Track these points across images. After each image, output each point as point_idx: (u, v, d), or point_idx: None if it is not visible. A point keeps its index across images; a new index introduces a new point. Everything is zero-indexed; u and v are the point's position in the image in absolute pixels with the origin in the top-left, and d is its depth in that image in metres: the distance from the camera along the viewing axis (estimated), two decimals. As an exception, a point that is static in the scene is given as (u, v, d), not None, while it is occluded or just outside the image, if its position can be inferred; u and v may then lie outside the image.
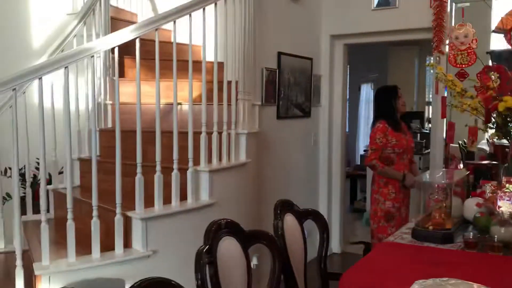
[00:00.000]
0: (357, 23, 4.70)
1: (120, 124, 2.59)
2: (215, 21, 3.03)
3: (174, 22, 2.74)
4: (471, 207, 2.66)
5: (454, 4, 4.36)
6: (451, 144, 4.32)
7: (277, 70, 4.11)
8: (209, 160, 3.02)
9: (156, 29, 2.66)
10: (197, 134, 2.92)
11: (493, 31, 4.47)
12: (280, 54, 4.14)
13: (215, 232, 1.82)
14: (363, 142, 9.13)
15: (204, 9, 2.90)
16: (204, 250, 1.73)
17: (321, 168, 4.99)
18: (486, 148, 4.46)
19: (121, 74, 3.88)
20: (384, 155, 3.55)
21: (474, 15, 4.29)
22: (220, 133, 3.11)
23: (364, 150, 6.69)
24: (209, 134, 3.02)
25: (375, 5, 4.65)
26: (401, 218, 3.55)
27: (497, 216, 2.42)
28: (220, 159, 3.11)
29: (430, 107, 8.83)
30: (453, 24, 4.33)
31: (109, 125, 3.68)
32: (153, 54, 2.69)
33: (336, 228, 5.07)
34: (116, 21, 4.07)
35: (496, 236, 2.30)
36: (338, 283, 1.94)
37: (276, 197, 4.17)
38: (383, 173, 3.54)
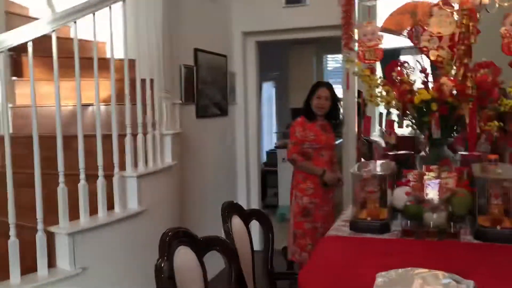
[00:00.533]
0: (268, 20, 4.72)
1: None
2: (124, 14, 2.78)
3: (94, 14, 2.49)
4: (400, 196, 2.77)
5: (360, 2, 4.56)
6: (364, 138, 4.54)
7: (195, 67, 3.97)
8: (135, 165, 2.81)
9: (75, 22, 2.39)
10: (120, 137, 2.69)
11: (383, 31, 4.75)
12: (196, 50, 4.01)
13: (170, 241, 1.66)
14: (267, 141, 9.27)
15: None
16: (163, 265, 1.57)
17: (239, 166, 4.94)
18: (378, 139, 4.74)
19: (19, 74, 3.47)
20: (302, 150, 3.58)
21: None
22: (144, 135, 2.90)
23: (276, 147, 6.78)
24: (134, 136, 2.80)
25: (285, 3, 4.70)
26: (320, 214, 3.60)
27: (429, 203, 2.54)
28: (146, 162, 2.90)
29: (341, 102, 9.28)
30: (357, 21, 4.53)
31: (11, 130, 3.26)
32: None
33: (256, 226, 5.05)
34: (9, 15, 3.63)
35: (431, 222, 2.41)
36: (298, 283, 1.88)
37: (198, 199, 4.08)
38: (302, 168, 3.57)
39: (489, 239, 2.30)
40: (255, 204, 5.05)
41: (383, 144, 4.50)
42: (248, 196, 5.00)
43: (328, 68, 9.25)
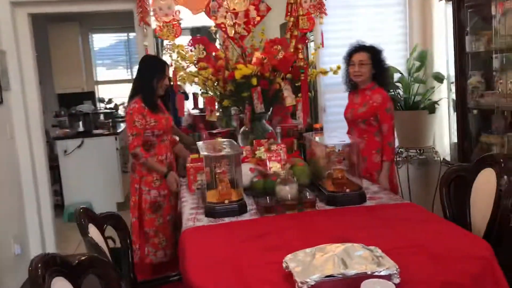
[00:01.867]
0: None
1: None
2: None
3: None
4: (245, 173, 2.68)
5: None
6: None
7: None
8: None
9: None
10: None
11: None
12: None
13: (43, 275, 1.19)
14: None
15: None
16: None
17: (23, 166, 4.10)
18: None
19: None
20: (144, 138, 3.16)
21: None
22: None
23: (54, 138, 5.89)
24: None
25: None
26: (169, 206, 3.28)
27: (276, 176, 2.51)
28: None
29: (100, 86, 8.61)
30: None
31: None
32: None
33: (50, 231, 4.33)
34: None
35: (289, 195, 2.39)
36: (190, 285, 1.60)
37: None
38: (146, 164, 3.16)
39: (338, 203, 2.40)
40: (47, 210, 4.31)
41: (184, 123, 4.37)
42: (38, 197, 4.22)
43: (95, 48, 8.54)
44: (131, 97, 3.23)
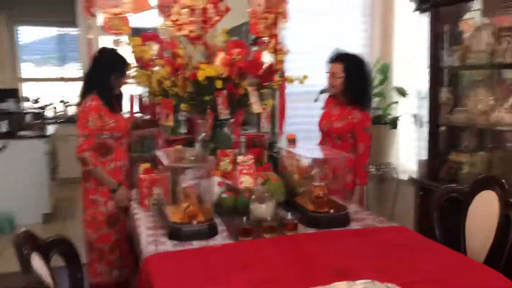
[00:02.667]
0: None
1: None
2: None
3: None
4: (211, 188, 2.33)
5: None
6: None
7: None
8: None
9: None
10: None
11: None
12: None
13: None
14: None
15: None
16: None
17: None
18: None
19: None
20: (99, 141, 2.71)
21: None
22: None
23: None
24: None
25: None
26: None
27: (250, 192, 2.20)
28: None
29: (24, 84, 7.80)
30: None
31: None
32: None
33: None
34: None
35: (268, 216, 2.07)
36: None
37: None
38: (94, 174, 2.71)
39: (322, 225, 2.13)
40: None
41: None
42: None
43: (20, 43, 7.74)
44: (84, 93, 2.78)
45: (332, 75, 2.88)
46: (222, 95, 2.80)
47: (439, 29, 3.14)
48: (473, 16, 3.15)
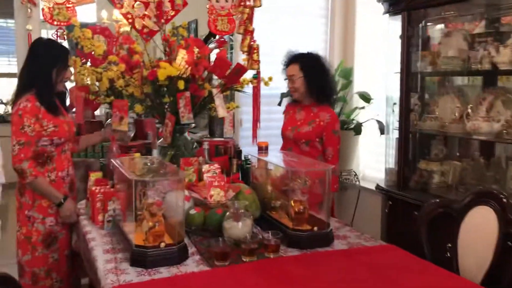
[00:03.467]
0: None
1: None
2: None
3: None
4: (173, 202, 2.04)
5: None
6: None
7: None
8: None
9: None
10: None
11: None
12: None
13: None
14: None
15: None
16: None
17: None
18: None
19: None
20: (36, 149, 2.32)
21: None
22: None
23: None
24: None
25: None
26: (68, 237, 2.44)
27: (230, 208, 1.93)
28: None
29: None
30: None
31: None
32: None
33: None
34: None
35: (247, 235, 1.82)
36: None
37: None
38: (35, 187, 2.33)
39: (304, 245, 1.91)
40: None
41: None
42: None
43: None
44: (19, 93, 2.37)
45: (290, 78, 2.72)
46: (185, 97, 2.52)
47: (411, 33, 3.02)
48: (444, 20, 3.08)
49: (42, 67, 2.37)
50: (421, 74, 3.12)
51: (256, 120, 2.44)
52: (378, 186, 3.23)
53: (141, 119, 3.85)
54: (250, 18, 2.29)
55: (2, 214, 5.33)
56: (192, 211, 2.03)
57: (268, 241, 1.81)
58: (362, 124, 3.79)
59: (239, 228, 1.87)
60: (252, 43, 2.33)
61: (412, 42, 3.01)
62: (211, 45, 3.32)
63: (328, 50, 4.12)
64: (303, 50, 2.82)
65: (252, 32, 2.31)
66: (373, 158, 3.85)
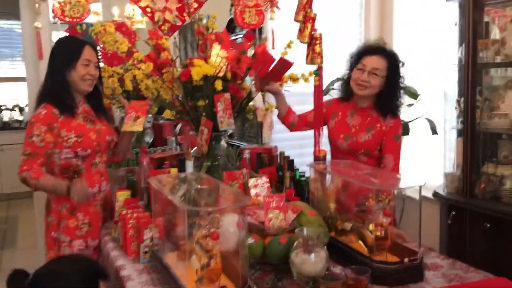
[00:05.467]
0: None
1: None
2: None
3: None
4: (226, 230, 1.67)
5: None
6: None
7: None
8: None
9: None
10: None
11: None
12: None
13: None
14: None
15: None
16: None
17: None
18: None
19: None
20: (59, 162, 2.01)
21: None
22: None
23: None
24: None
25: None
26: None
27: (297, 236, 1.56)
28: None
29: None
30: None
31: None
32: None
33: None
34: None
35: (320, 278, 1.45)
36: None
37: None
38: (40, 187, 2.03)
39: (394, 280, 1.54)
40: None
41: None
42: None
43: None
44: (40, 100, 2.06)
45: (372, 71, 2.19)
46: (224, 99, 2.15)
47: (471, 20, 2.64)
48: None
49: (55, 67, 2.07)
50: (482, 65, 2.73)
51: (318, 125, 2.05)
52: (436, 194, 2.86)
53: (159, 122, 3.50)
54: (310, 2, 1.91)
55: (11, 227, 4.99)
56: (250, 241, 1.66)
57: (355, 280, 1.44)
58: (409, 123, 3.40)
59: (312, 262, 1.50)
60: (313, 32, 1.95)
61: (481, 30, 2.62)
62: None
63: (363, 35, 3.73)
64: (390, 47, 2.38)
65: (313, 19, 1.93)
66: (422, 162, 3.45)
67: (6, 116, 6.56)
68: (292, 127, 2.48)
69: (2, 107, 6.56)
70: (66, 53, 2.08)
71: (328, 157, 2.31)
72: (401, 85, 2.27)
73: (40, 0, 2.86)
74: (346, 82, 2.30)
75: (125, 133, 2.27)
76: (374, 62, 2.18)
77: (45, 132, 1.98)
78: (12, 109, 6.54)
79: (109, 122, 2.30)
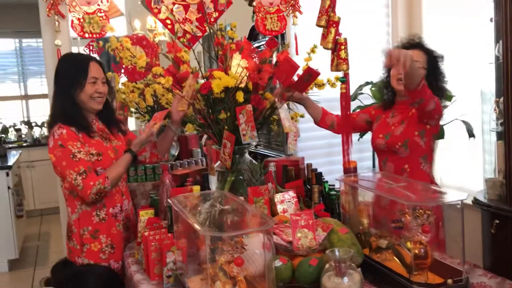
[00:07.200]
0: None
1: None
2: None
3: None
4: (252, 252, 1.57)
5: None
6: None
7: None
8: None
9: None
10: None
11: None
12: None
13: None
14: None
15: None
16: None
17: None
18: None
19: None
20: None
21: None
22: None
23: None
24: None
25: None
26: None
27: (329, 258, 1.44)
28: None
29: None
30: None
31: None
32: None
33: None
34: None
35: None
36: None
37: None
38: (117, 180, 2.05)
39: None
40: None
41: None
42: None
43: None
44: (51, 124, 2.00)
45: None
46: (246, 112, 2.05)
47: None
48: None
49: (63, 88, 2.02)
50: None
51: (347, 135, 1.93)
52: (476, 200, 2.68)
53: (184, 135, 3.43)
54: (333, 6, 1.80)
55: (43, 244, 5.02)
56: (278, 263, 1.55)
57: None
58: (443, 126, 3.23)
59: (346, 286, 1.38)
60: (337, 36, 1.83)
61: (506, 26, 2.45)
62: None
63: (390, 36, 3.59)
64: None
65: (337, 23, 1.82)
66: (460, 166, 3.27)
67: (37, 132, 6.65)
68: (332, 130, 2.38)
69: (32, 124, 6.66)
70: (72, 73, 2.03)
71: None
72: (442, 83, 2.15)
73: (59, 17, 2.83)
74: (385, 85, 2.20)
75: (167, 132, 2.26)
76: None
77: (81, 146, 1.95)
78: (42, 126, 6.62)
79: (124, 135, 2.24)
